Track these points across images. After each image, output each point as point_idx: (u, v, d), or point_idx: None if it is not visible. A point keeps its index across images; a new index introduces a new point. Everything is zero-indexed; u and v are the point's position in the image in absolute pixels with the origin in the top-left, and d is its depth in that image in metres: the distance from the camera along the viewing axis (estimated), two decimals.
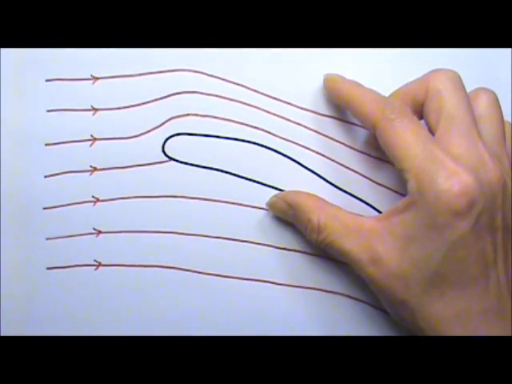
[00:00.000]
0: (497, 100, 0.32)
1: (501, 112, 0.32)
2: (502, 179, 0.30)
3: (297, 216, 0.33)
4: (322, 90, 0.35)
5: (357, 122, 0.35)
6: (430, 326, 0.30)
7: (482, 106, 0.32)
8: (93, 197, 0.34)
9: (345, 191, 0.35)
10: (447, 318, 0.29)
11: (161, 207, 0.34)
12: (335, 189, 0.35)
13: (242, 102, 0.35)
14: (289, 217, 0.34)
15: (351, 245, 0.31)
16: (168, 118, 0.35)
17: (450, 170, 0.29)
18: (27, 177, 0.34)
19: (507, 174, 0.31)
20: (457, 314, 0.29)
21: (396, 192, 0.35)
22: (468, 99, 0.31)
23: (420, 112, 0.32)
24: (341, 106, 0.34)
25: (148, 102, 0.34)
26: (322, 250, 0.34)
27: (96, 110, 0.34)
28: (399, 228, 0.30)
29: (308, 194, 0.34)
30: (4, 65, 0.34)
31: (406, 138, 0.30)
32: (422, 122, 0.32)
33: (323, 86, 0.34)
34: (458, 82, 0.31)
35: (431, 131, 0.31)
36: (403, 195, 0.34)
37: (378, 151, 0.35)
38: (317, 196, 0.34)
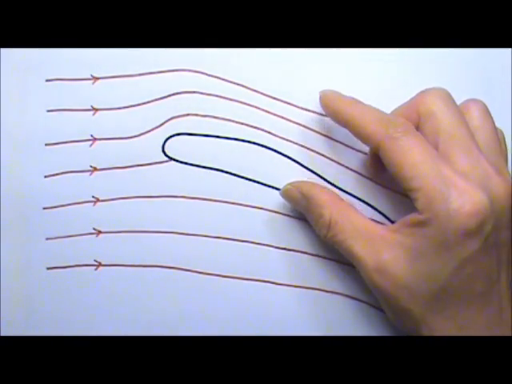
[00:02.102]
0: (487, 109, 0.32)
1: (493, 121, 0.32)
2: (508, 193, 0.30)
3: (309, 208, 0.33)
4: (322, 89, 0.34)
5: None
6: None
7: (475, 117, 0.31)
8: (93, 197, 0.34)
9: (345, 191, 0.35)
10: (450, 330, 0.29)
11: (161, 207, 0.34)
12: (335, 189, 0.35)
13: (241, 102, 0.35)
14: (301, 207, 0.33)
15: (359, 248, 0.31)
16: (168, 118, 0.35)
17: (461, 189, 0.29)
18: (27, 177, 0.34)
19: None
20: (460, 328, 0.29)
21: (396, 192, 0.35)
22: (462, 114, 0.31)
23: None
24: (340, 125, 0.32)
25: (148, 102, 0.34)
26: (322, 251, 0.34)
27: (96, 109, 0.34)
28: (409, 241, 0.30)
29: (323, 187, 0.33)
30: (4, 65, 0.34)
31: (414, 156, 0.29)
32: None
33: (319, 103, 0.33)
34: (448, 99, 0.31)
35: None
36: (403, 195, 0.34)
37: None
38: (332, 191, 0.33)
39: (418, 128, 0.31)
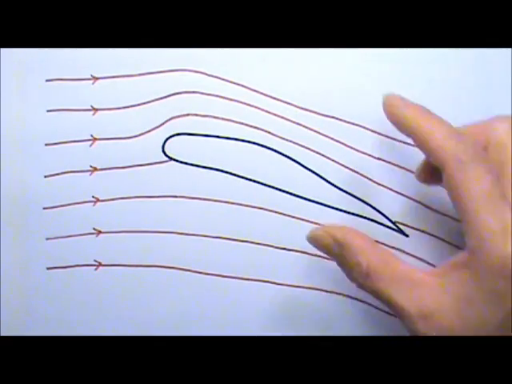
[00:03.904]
0: None
1: None
2: None
3: (343, 256, 0.30)
4: (322, 89, 0.34)
5: (357, 123, 0.35)
6: None
7: None
8: (93, 197, 0.34)
9: (345, 191, 0.35)
10: None
11: (161, 207, 0.34)
12: (335, 189, 0.35)
13: (241, 102, 0.35)
14: (333, 255, 0.30)
15: (400, 297, 0.28)
16: (168, 118, 0.35)
17: None
18: (27, 177, 0.34)
19: None
20: None
21: (397, 192, 0.35)
22: None
23: None
24: (404, 134, 0.30)
25: (148, 102, 0.34)
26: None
27: (96, 110, 0.34)
28: (455, 286, 0.28)
29: (357, 232, 0.30)
30: (4, 65, 0.34)
31: (478, 188, 0.27)
32: None
33: (383, 109, 0.30)
34: None
35: None
36: (404, 195, 0.34)
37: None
38: (367, 235, 0.31)
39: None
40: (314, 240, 0.31)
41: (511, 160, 0.28)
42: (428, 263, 0.34)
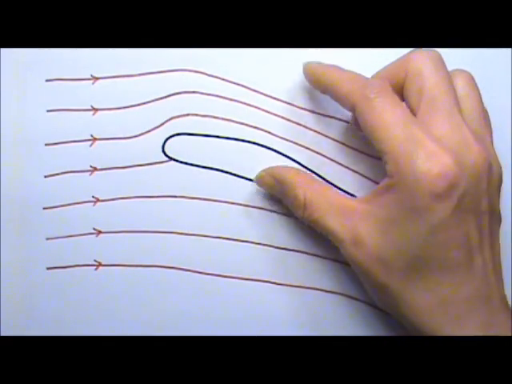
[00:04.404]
0: (474, 80, 0.31)
1: (479, 92, 0.31)
2: (487, 161, 0.29)
3: (283, 191, 0.33)
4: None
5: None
6: (412, 312, 0.29)
7: (461, 86, 0.31)
8: (93, 197, 0.34)
9: (345, 191, 0.35)
10: (431, 304, 0.29)
11: (161, 207, 0.34)
12: (335, 189, 0.35)
13: (241, 102, 0.35)
14: (276, 192, 0.33)
15: (335, 224, 0.31)
16: (168, 118, 0.35)
17: (430, 151, 0.28)
18: (27, 177, 0.34)
19: (493, 157, 0.30)
20: (441, 301, 0.29)
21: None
22: (450, 79, 0.30)
23: (401, 93, 0.31)
24: (322, 91, 0.33)
25: (148, 102, 0.34)
26: (321, 250, 0.34)
27: (96, 110, 0.34)
28: (380, 210, 0.29)
29: (296, 169, 0.34)
30: (4, 65, 0.34)
31: (386, 118, 0.29)
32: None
33: (304, 75, 0.34)
34: (438, 61, 0.30)
35: (412, 113, 0.30)
36: None
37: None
38: (305, 172, 0.33)
39: (403, 86, 0.31)
40: (258, 181, 0.34)
41: (427, 85, 0.30)
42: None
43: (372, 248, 0.29)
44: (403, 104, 0.30)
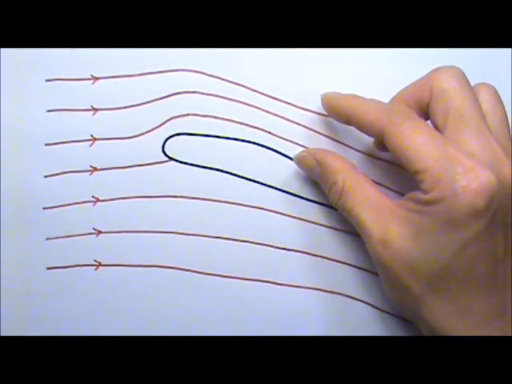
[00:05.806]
0: (498, 94, 0.32)
1: (503, 107, 0.32)
2: None
3: (323, 175, 0.33)
4: (322, 89, 0.34)
5: None
6: (431, 316, 0.29)
7: (486, 100, 0.31)
8: (93, 197, 0.34)
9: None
10: (450, 312, 0.29)
11: (161, 207, 0.34)
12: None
13: (241, 102, 0.35)
14: (315, 174, 0.33)
15: (367, 218, 0.31)
16: (168, 118, 0.35)
17: (467, 168, 0.28)
18: (27, 177, 0.34)
19: None
20: (460, 310, 0.29)
21: (397, 192, 0.35)
22: (474, 95, 0.30)
23: (426, 113, 0.32)
24: (344, 122, 0.33)
25: (148, 102, 0.34)
26: (322, 251, 0.34)
27: (96, 110, 0.34)
28: (416, 217, 0.29)
29: (337, 154, 0.33)
30: (4, 65, 0.34)
31: (417, 139, 0.29)
32: (429, 122, 0.32)
33: (322, 106, 0.34)
34: (462, 78, 0.31)
35: (438, 131, 0.30)
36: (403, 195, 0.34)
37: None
38: (346, 159, 0.33)
39: (428, 105, 0.31)
40: (299, 161, 0.34)
41: (453, 104, 0.30)
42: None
43: (400, 250, 0.30)
44: (429, 124, 0.31)
